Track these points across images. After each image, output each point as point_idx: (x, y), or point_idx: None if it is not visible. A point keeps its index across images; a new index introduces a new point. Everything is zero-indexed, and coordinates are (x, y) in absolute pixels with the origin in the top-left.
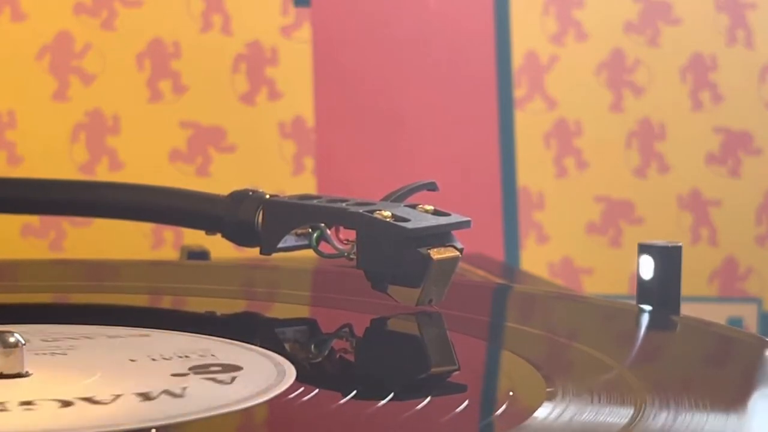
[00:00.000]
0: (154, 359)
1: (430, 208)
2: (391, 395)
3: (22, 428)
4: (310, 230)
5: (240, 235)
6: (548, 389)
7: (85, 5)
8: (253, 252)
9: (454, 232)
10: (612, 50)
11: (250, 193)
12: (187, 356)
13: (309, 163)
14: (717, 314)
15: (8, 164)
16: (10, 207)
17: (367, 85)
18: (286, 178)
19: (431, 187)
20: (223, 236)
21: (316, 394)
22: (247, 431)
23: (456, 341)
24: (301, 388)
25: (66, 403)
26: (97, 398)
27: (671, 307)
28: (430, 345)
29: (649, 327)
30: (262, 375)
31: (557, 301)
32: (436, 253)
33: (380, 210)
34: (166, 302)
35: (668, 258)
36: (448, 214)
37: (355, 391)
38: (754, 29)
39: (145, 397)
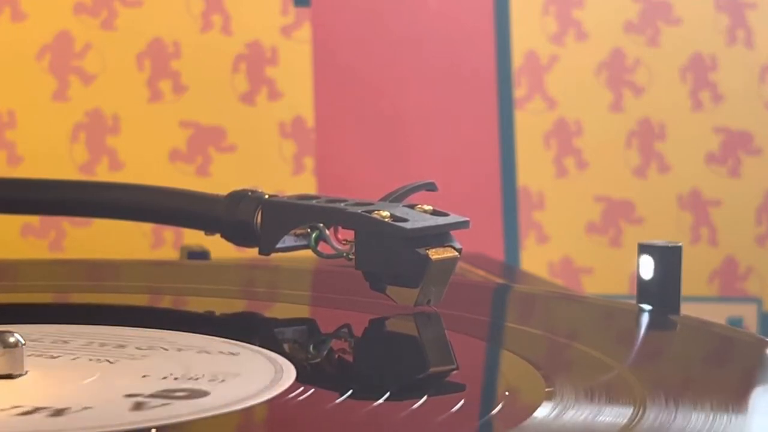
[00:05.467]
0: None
1: (428, 208)
2: (390, 395)
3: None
4: (308, 230)
5: (239, 236)
6: (548, 389)
7: (85, 5)
8: (253, 252)
9: (453, 232)
10: (612, 50)
11: (249, 193)
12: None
13: (309, 163)
14: (717, 314)
15: (8, 164)
16: (10, 207)
17: (367, 85)
18: (286, 178)
19: (430, 187)
20: (222, 236)
21: (315, 393)
22: (247, 431)
23: (455, 341)
24: (301, 388)
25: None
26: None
27: (671, 307)
28: (429, 345)
29: (649, 327)
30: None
31: (557, 301)
32: (435, 254)
33: (379, 210)
34: (166, 302)
35: (668, 258)
36: (447, 215)
37: (353, 391)
38: (754, 29)
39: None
